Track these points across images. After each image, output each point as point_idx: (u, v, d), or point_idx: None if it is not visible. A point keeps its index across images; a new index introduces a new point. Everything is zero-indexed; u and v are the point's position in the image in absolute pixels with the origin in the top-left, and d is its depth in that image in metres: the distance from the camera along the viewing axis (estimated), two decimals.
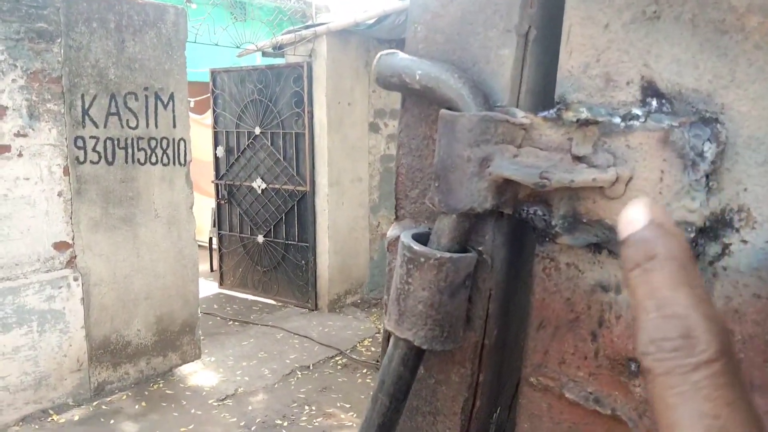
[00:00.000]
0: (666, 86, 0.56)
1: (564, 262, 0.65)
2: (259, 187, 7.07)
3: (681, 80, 0.56)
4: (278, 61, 7.12)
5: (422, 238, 0.67)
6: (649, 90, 0.57)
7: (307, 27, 6.53)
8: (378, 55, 0.68)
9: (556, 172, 0.58)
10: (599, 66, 0.60)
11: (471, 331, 0.69)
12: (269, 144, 6.89)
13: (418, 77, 0.64)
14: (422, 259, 0.63)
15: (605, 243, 0.60)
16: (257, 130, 6.94)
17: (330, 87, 6.40)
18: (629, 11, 0.58)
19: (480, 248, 0.67)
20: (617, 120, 0.57)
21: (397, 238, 0.73)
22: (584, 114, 0.59)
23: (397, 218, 0.75)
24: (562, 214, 0.61)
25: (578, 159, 0.59)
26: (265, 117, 6.86)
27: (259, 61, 7.99)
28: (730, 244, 0.55)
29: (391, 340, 0.69)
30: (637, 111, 0.57)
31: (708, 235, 0.55)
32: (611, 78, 0.60)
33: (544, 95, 0.68)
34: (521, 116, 0.61)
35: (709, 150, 0.54)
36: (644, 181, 0.56)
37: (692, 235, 0.55)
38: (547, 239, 0.64)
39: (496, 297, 0.70)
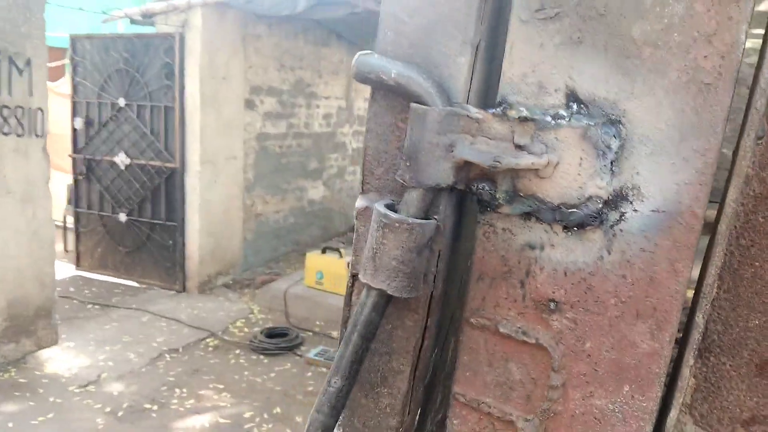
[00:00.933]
0: (584, 95, 0.76)
1: (500, 227, 0.83)
2: (122, 162, 6.73)
3: (595, 91, 0.75)
4: (148, 30, 6.78)
5: (390, 208, 0.82)
6: (572, 97, 0.77)
7: None
8: (357, 54, 0.82)
9: (505, 157, 0.75)
10: (534, 76, 0.79)
11: (425, 285, 0.85)
12: (135, 117, 6.57)
13: (393, 75, 0.79)
14: (396, 224, 0.78)
15: (535, 212, 0.79)
16: (122, 102, 6.58)
17: (204, 60, 6.24)
18: (559, 36, 0.77)
19: (436, 216, 0.83)
20: (548, 118, 0.76)
21: (366, 207, 0.87)
22: (524, 113, 0.77)
23: (363, 191, 0.89)
24: (505, 190, 0.79)
25: (519, 147, 0.76)
26: (131, 88, 6.53)
27: (122, 29, 7.53)
28: (626, 212, 0.76)
29: (364, 291, 0.83)
30: (563, 112, 0.76)
31: (610, 206, 0.76)
32: (543, 86, 0.78)
33: (487, 95, 0.86)
34: (476, 112, 0.78)
35: (614, 144, 0.74)
36: (568, 165, 0.76)
37: (600, 205, 0.76)
38: (489, 209, 0.82)
39: (443, 256, 0.87)
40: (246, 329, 5.96)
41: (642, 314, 0.77)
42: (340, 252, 6.54)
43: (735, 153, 0.73)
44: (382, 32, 0.84)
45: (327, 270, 6.38)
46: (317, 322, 6.13)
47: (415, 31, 0.82)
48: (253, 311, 6.41)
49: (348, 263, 5.95)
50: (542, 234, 0.81)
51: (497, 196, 0.80)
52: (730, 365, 0.80)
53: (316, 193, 8.52)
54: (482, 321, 0.87)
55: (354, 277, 0.91)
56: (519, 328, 0.84)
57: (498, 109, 0.79)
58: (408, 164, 0.79)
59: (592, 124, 0.74)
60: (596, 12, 0.74)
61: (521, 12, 0.79)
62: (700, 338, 0.76)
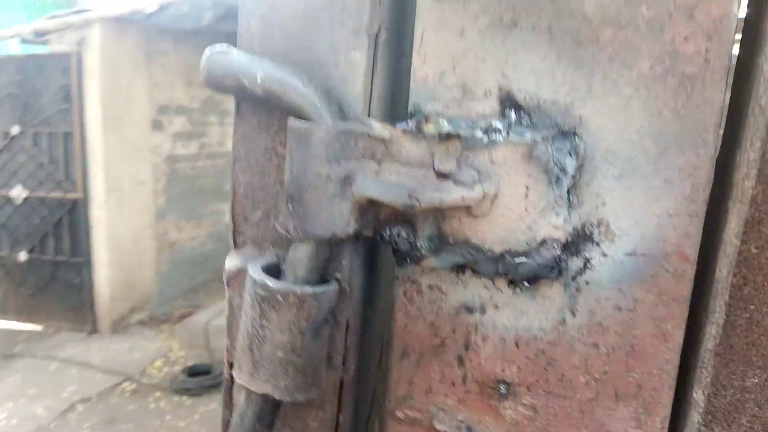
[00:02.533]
0: (524, 98, 0.55)
1: (426, 285, 0.61)
2: (18, 196, 6.14)
3: (539, 92, 0.54)
4: (42, 49, 6.23)
5: (272, 270, 0.58)
6: (508, 101, 0.55)
7: (77, 12, 5.82)
8: (207, 51, 0.57)
9: (424, 191, 0.53)
10: (455, 75, 0.57)
11: (331, 370, 0.62)
12: (31, 145, 6.02)
13: (259, 80, 0.55)
14: (279, 297, 0.54)
15: (471, 263, 0.57)
16: (15, 130, 6.01)
17: (105, 80, 5.77)
18: (485, 17, 0.55)
19: (337, 275, 0.60)
20: (479, 134, 0.54)
21: (239, 270, 0.62)
22: (445, 127, 0.55)
23: (235, 245, 0.65)
24: (428, 235, 0.57)
25: (443, 176, 0.54)
26: (25, 114, 5.97)
27: (13, 49, 6.94)
28: (591, 258, 0.55)
29: (242, 395, 0.59)
30: (497, 124, 0.55)
31: (570, 250, 0.55)
32: (468, 88, 0.57)
33: (393, 103, 0.63)
34: (379, 129, 0.55)
35: (570, 164, 0.53)
36: (509, 197, 0.54)
37: (557, 251, 0.54)
38: (408, 261, 0.59)
39: (354, 328, 0.63)
40: (165, 369, 5.51)
41: (623, 395, 0.56)
42: None
43: (725, 168, 0.54)
44: (244, 20, 0.60)
45: None
46: None
47: (291, 17, 0.59)
48: (172, 349, 5.94)
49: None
50: (482, 291, 0.59)
51: (418, 244, 0.57)
52: None
53: None
54: (411, 414, 0.63)
55: (231, 365, 0.66)
56: (461, 421, 0.61)
57: (410, 123, 0.56)
58: (292, 207, 0.55)
59: (539, 138, 0.53)
60: None
61: None
62: (701, 420, 0.56)
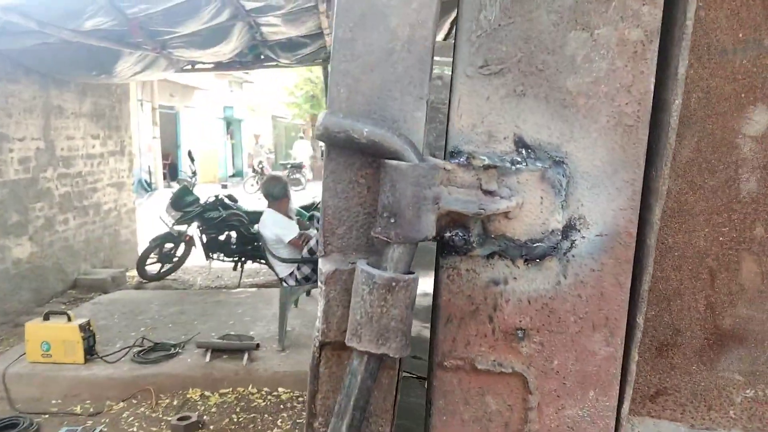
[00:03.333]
0: (530, 140, 0.85)
1: (464, 269, 0.88)
2: None
3: (540, 136, 0.85)
4: None
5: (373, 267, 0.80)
6: (520, 143, 0.85)
7: None
8: (323, 114, 0.78)
9: (487, 203, 0.80)
10: (483, 126, 0.85)
11: None
12: None
13: (365, 133, 0.78)
14: (393, 284, 0.77)
15: (503, 250, 0.86)
16: None
17: None
18: (504, 89, 0.84)
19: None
20: (508, 164, 0.83)
21: (335, 271, 0.83)
22: (486, 161, 0.83)
23: (325, 254, 0.85)
24: (477, 233, 0.84)
25: (489, 193, 0.82)
26: None
27: None
28: (575, 240, 0.87)
29: (354, 360, 0.79)
30: (517, 158, 0.84)
31: (563, 236, 0.86)
32: (493, 134, 0.85)
33: (429, 147, 0.89)
34: (447, 164, 0.81)
35: (564, 182, 0.84)
36: (530, 204, 0.84)
37: (559, 237, 0.85)
38: (455, 253, 0.86)
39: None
40: None
41: (597, 325, 0.88)
42: (68, 315, 5.70)
43: (650, 179, 0.90)
44: (334, 89, 0.82)
45: (54, 338, 5.48)
46: (53, 401, 5.25)
47: (371, 88, 0.82)
48: None
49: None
50: (504, 269, 0.87)
51: (471, 240, 0.84)
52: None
53: (22, 251, 7.30)
54: (455, 362, 0.89)
55: (322, 346, 0.86)
56: (494, 360, 0.89)
57: (461, 159, 0.83)
58: (392, 221, 0.78)
59: (546, 166, 0.83)
60: (536, 68, 0.84)
61: (467, 68, 0.84)
62: (641, 336, 0.91)
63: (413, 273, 0.81)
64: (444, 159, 0.85)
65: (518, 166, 0.83)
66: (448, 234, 0.84)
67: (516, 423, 0.90)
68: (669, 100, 0.84)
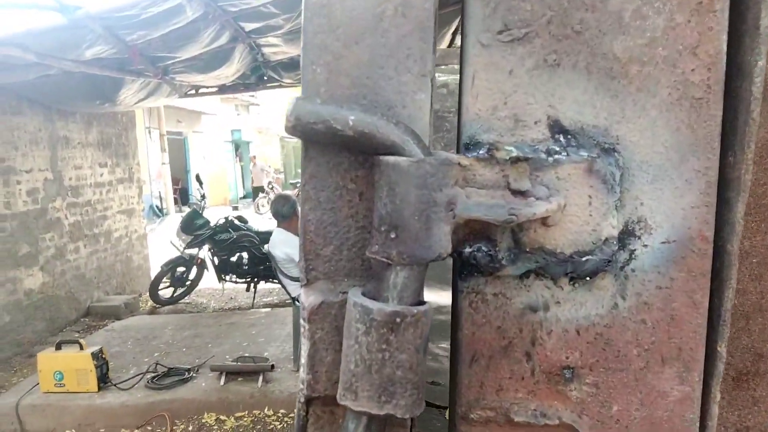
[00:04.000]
0: (570, 124, 0.66)
1: (491, 293, 0.68)
2: None
3: (582, 118, 0.65)
4: None
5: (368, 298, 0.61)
6: (556, 127, 0.66)
7: None
8: (292, 99, 0.59)
9: (519, 207, 0.61)
10: (507, 108, 0.66)
11: None
12: None
13: (351, 123, 0.58)
14: (398, 320, 0.57)
15: (542, 267, 0.66)
16: None
17: None
18: (531, 59, 0.65)
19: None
20: (543, 155, 0.64)
21: (321, 304, 0.64)
22: (514, 152, 0.63)
23: (307, 282, 0.66)
24: (507, 247, 0.64)
25: (520, 193, 0.63)
26: None
27: None
28: (635, 249, 0.67)
29: (350, 421, 0.60)
30: (554, 146, 0.65)
31: (619, 246, 0.66)
32: (520, 118, 0.66)
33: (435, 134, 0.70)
34: (462, 158, 0.62)
35: (617, 174, 0.65)
36: (576, 206, 0.64)
37: (615, 247, 0.65)
38: (484, 273, 0.66)
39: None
40: None
41: (668, 358, 0.68)
42: (80, 344, 5.58)
43: (726, 167, 0.70)
44: (308, 69, 0.63)
45: (67, 368, 5.39)
46: (67, 431, 5.12)
47: (357, 66, 0.63)
48: None
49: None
50: (544, 292, 0.68)
51: (500, 256, 0.64)
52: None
53: (34, 282, 7.21)
54: (485, 414, 0.69)
55: (309, 401, 0.66)
56: (535, 409, 0.69)
57: (481, 152, 0.64)
58: (393, 236, 0.59)
59: (594, 155, 0.64)
60: (572, 29, 0.65)
61: (481, 35, 0.65)
62: (725, 369, 0.70)
63: (424, 303, 0.61)
64: (457, 153, 0.65)
65: (557, 156, 0.64)
66: (468, 249, 0.65)
67: None
68: (749, 63, 0.64)
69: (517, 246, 0.65)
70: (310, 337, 0.64)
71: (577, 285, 0.67)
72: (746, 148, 0.64)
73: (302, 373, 0.65)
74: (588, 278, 0.66)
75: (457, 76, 0.68)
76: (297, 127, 0.59)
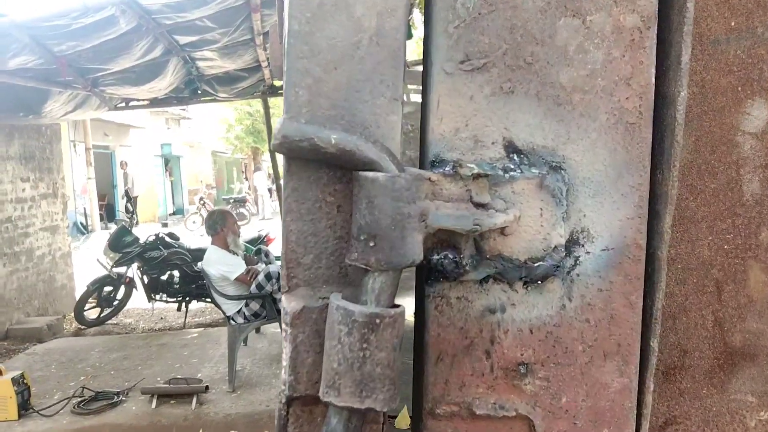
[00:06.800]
0: (522, 144, 0.74)
1: (454, 297, 0.75)
2: None
3: (533, 139, 0.74)
4: None
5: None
6: (510, 148, 0.74)
7: None
8: (281, 119, 0.64)
9: (482, 218, 0.68)
10: (468, 130, 0.73)
11: None
12: None
13: (333, 141, 0.64)
14: (377, 321, 0.63)
15: (500, 272, 0.73)
16: None
17: None
18: (489, 86, 0.73)
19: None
20: (500, 172, 0.72)
21: (302, 309, 0.69)
22: (475, 169, 0.71)
23: (288, 289, 0.70)
24: (470, 254, 0.71)
25: (481, 206, 0.70)
26: None
27: None
28: (579, 256, 0.75)
29: (333, 417, 0.65)
30: (509, 164, 0.73)
31: (565, 253, 0.75)
32: (479, 139, 0.73)
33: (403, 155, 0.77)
34: (431, 174, 0.69)
35: (564, 189, 0.73)
36: (529, 218, 0.72)
37: (563, 254, 0.74)
38: (449, 279, 0.73)
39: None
40: None
41: (609, 353, 0.77)
42: None
43: (656, 183, 0.79)
44: (291, 91, 0.68)
45: None
46: None
47: (336, 89, 0.69)
48: None
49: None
50: (501, 295, 0.75)
51: (464, 263, 0.71)
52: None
53: None
54: (449, 408, 0.76)
55: (290, 401, 0.71)
56: (494, 403, 0.76)
57: (447, 168, 0.71)
58: (371, 244, 0.64)
59: (544, 172, 0.72)
60: (524, 61, 0.73)
61: (445, 64, 0.73)
62: (656, 362, 0.79)
63: (399, 306, 0.67)
64: (421, 169, 0.72)
65: (512, 173, 0.72)
66: (436, 257, 0.71)
67: None
68: (673, 93, 0.74)
69: (479, 253, 0.72)
70: (292, 341, 0.69)
71: (530, 288, 0.75)
72: (672, 167, 0.74)
73: (283, 374, 0.70)
74: (539, 282, 0.74)
75: None
76: (284, 144, 0.64)
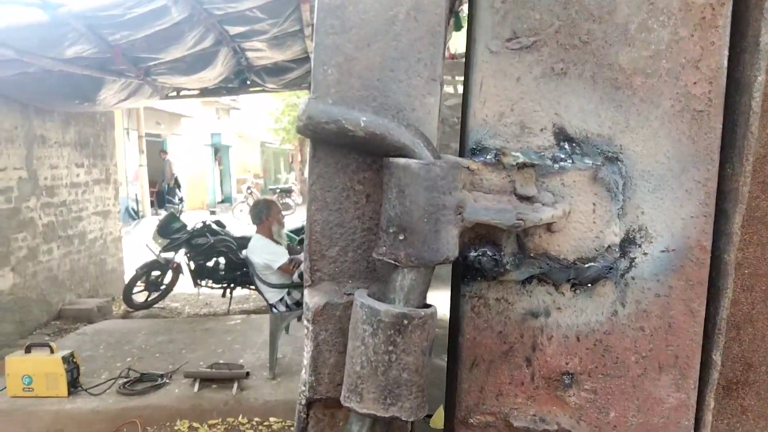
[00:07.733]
0: (575, 132, 0.67)
1: (493, 298, 0.68)
2: None
3: (587, 126, 0.67)
4: None
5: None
6: (561, 135, 0.67)
7: None
8: (305, 98, 0.59)
9: (527, 213, 0.61)
10: (514, 115, 0.67)
11: None
12: None
13: (363, 124, 0.59)
14: (405, 322, 0.57)
15: (545, 273, 0.66)
16: None
17: None
18: (539, 67, 0.66)
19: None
20: (549, 162, 0.65)
21: (325, 305, 0.63)
22: (521, 158, 0.64)
23: (312, 283, 0.65)
24: (512, 252, 0.65)
25: (526, 199, 0.63)
26: None
27: None
28: (636, 257, 0.68)
29: (353, 423, 0.59)
30: (560, 154, 0.66)
31: (619, 253, 0.67)
32: (526, 125, 0.67)
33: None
34: (471, 162, 0.62)
35: (620, 183, 0.66)
36: (580, 213, 0.65)
37: (617, 255, 0.66)
38: (487, 278, 0.66)
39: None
40: None
41: (665, 365, 0.69)
42: (50, 347, 5.46)
43: (724, 178, 0.71)
44: (319, 70, 0.63)
45: (36, 372, 5.26)
46: None
47: (368, 68, 0.63)
48: None
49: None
50: (545, 297, 0.68)
51: (504, 260, 0.65)
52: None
53: (4, 283, 7.05)
54: (484, 419, 0.70)
55: (311, 403, 0.66)
56: (534, 415, 0.69)
57: (488, 157, 0.64)
58: (401, 237, 0.59)
59: (598, 163, 0.65)
60: (579, 39, 0.66)
61: (490, 42, 0.66)
62: (718, 377, 0.71)
63: (430, 306, 0.61)
64: (461, 157, 0.66)
65: (562, 163, 0.65)
66: (473, 253, 0.65)
67: None
68: (748, 78, 0.66)
69: (522, 251, 0.65)
70: (314, 339, 0.64)
71: (578, 291, 0.68)
72: (744, 161, 0.66)
73: (304, 374, 0.65)
74: (589, 285, 0.67)
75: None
76: (308, 126, 0.59)
